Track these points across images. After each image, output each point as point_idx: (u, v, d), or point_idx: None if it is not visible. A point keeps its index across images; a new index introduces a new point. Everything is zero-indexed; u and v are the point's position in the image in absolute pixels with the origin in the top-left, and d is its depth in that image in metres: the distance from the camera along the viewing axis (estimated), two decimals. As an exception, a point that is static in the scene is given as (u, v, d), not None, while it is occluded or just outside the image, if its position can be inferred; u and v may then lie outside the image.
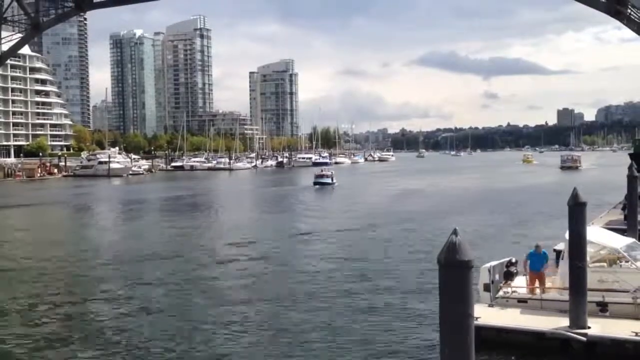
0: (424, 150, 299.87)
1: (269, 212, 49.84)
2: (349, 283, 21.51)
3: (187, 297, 20.29)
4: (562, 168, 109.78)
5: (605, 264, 16.14)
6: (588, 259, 14.66)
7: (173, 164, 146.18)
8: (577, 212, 14.06)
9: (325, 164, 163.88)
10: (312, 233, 34.72)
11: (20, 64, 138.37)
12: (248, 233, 35.43)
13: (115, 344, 15.58)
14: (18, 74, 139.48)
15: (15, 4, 53.78)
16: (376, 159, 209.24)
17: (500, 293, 16.02)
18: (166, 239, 34.80)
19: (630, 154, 50.48)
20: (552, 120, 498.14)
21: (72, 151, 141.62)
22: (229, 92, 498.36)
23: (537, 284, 16.21)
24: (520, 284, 16.48)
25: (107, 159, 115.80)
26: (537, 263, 16.37)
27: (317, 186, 74.04)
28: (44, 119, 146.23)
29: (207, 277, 23.52)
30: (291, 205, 56.69)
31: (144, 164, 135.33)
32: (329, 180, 75.94)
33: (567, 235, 14.92)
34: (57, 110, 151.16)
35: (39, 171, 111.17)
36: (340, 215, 43.58)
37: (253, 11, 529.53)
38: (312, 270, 24.05)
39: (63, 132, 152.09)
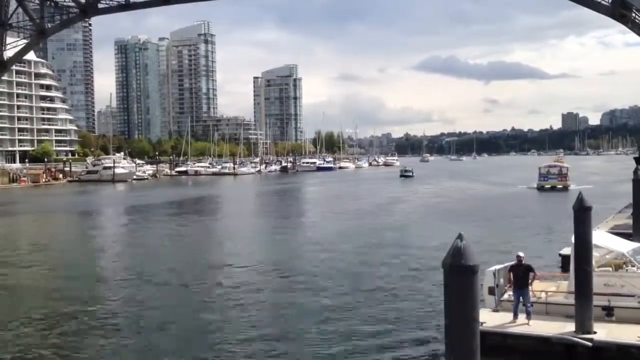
0: (428, 155, 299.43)
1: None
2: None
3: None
4: (540, 189, 67.74)
5: (611, 268, 16.07)
6: (594, 263, 14.59)
7: (177, 169, 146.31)
8: (582, 217, 14.00)
9: (330, 168, 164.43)
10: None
11: (26, 69, 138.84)
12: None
13: (120, 349, 15.59)
14: (23, 80, 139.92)
15: (20, 10, 54.14)
16: (381, 163, 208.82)
17: (505, 296, 15.97)
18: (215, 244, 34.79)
19: (635, 158, 50.37)
20: (556, 125, 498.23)
21: (77, 156, 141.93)
22: (230, 97, 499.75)
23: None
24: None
25: (111, 164, 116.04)
26: None
27: (402, 177, 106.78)
28: (49, 125, 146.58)
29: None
30: (400, 186, 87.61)
31: (149, 169, 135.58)
32: (410, 174, 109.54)
33: (573, 240, 14.84)
34: (62, 115, 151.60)
35: (44, 176, 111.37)
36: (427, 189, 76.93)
37: (251, 18, 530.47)
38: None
39: (68, 138, 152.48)
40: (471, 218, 42.50)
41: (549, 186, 67.48)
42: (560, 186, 66.56)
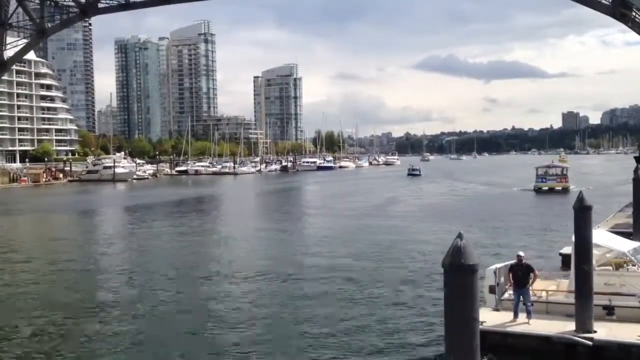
0: (428, 154, 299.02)
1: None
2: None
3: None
4: (538, 191, 63.29)
5: (611, 268, 16.05)
6: (594, 262, 14.57)
7: (178, 168, 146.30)
8: (583, 216, 13.98)
9: (330, 168, 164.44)
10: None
11: (26, 69, 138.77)
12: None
13: (119, 350, 15.59)
14: (23, 80, 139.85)
15: (20, 9, 54.10)
16: (381, 163, 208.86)
17: (506, 295, 15.95)
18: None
19: (635, 157, 50.27)
20: (557, 124, 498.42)
21: (77, 156, 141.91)
22: (230, 97, 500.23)
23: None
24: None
25: (112, 164, 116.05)
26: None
27: (410, 176, 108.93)
28: (50, 124, 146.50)
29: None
30: (408, 183, 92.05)
31: (149, 168, 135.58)
32: (417, 172, 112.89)
33: (573, 239, 14.83)
34: (62, 115, 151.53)
35: (45, 176, 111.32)
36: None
37: (251, 17, 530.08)
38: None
39: (68, 137, 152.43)
40: (458, 220, 42.50)
41: (546, 188, 62.83)
42: (559, 188, 62.00)
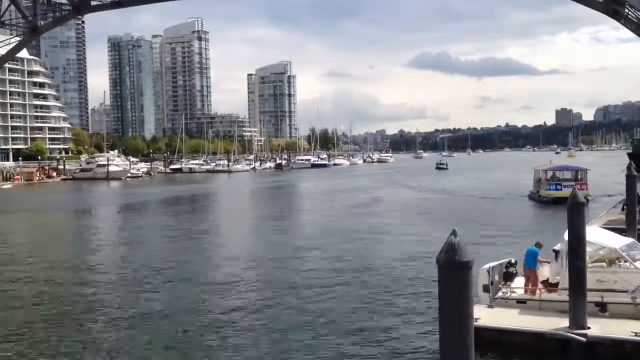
0: (422, 151, 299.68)
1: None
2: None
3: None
4: (544, 201, 46.85)
5: (604, 264, 16.11)
6: (587, 259, 14.63)
7: (172, 166, 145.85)
8: (576, 212, 14.03)
9: (324, 165, 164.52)
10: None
11: (19, 67, 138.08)
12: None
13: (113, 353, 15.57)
14: (16, 78, 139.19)
15: (13, 7, 53.79)
16: (375, 160, 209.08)
17: (500, 294, 16.01)
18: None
19: (628, 154, 50.53)
20: (550, 120, 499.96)
21: (70, 154, 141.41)
22: (224, 95, 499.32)
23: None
24: (519, 285, 16.48)
25: (105, 162, 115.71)
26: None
27: (437, 169, 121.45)
28: (43, 122, 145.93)
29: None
30: (437, 174, 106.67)
31: (143, 166, 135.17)
32: (444, 166, 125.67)
33: (566, 236, 14.90)
34: (55, 113, 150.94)
35: (38, 174, 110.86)
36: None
37: (243, 16, 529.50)
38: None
39: (62, 136, 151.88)
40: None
41: (546, 197, 47.13)
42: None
